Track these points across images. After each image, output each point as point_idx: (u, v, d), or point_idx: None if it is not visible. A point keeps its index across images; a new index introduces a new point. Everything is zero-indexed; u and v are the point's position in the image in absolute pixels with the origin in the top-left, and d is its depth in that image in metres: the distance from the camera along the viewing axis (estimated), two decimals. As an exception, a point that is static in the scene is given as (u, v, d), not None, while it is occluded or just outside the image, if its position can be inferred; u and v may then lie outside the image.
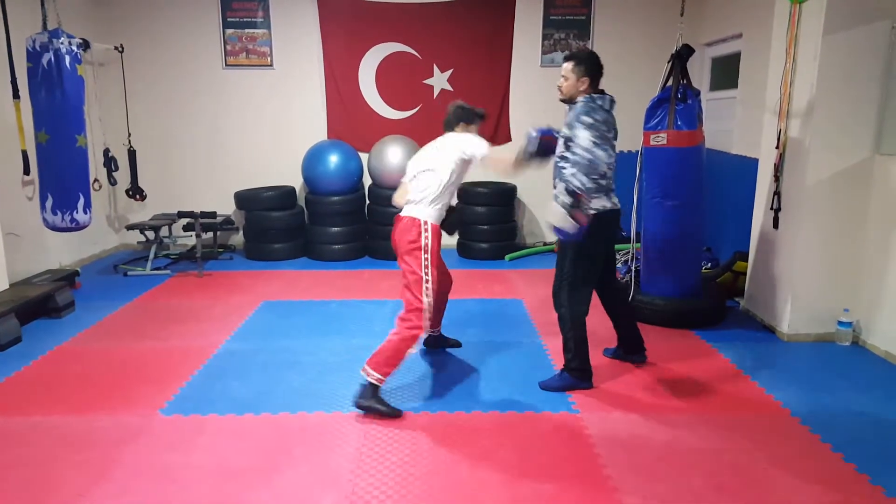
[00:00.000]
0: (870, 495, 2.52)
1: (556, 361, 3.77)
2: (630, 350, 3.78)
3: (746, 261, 4.74)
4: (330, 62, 6.66)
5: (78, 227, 4.74)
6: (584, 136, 3.12)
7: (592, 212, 3.15)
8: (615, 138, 3.28)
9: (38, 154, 4.58)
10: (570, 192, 3.04)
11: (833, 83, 3.86)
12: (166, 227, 6.29)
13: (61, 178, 4.58)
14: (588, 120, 3.15)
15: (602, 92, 3.30)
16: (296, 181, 6.74)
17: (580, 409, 3.21)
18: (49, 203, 4.59)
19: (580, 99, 3.27)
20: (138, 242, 6.43)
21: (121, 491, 2.54)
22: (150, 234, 6.08)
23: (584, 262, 3.34)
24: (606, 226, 3.34)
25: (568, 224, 3.04)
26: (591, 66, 3.28)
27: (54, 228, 4.71)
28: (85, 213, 4.71)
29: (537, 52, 6.68)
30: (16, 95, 4.77)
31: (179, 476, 2.65)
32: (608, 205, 3.30)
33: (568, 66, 3.28)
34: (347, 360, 3.82)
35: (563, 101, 3.36)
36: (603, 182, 3.19)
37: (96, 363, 3.81)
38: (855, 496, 2.52)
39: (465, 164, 3.33)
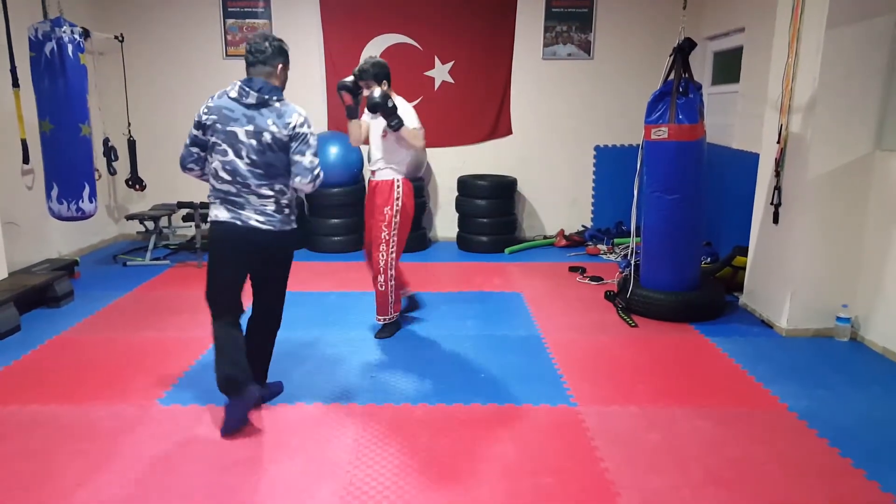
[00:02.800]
0: (866, 490, 2.52)
1: (555, 355, 3.78)
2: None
3: (746, 255, 4.74)
4: (331, 53, 6.64)
5: (84, 216, 4.74)
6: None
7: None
8: (236, 139, 3.04)
9: (43, 143, 4.58)
10: None
11: (835, 78, 3.84)
12: (166, 217, 6.29)
13: (66, 168, 4.58)
14: None
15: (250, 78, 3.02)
16: (296, 172, 6.72)
17: (578, 403, 3.21)
18: (55, 192, 4.59)
19: None
20: (138, 232, 6.43)
21: (119, 481, 2.55)
22: (150, 225, 6.08)
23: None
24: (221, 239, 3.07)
25: None
26: None
27: (60, 218, 4.70)
28: (90, 202, 4.72)
29: (539, 44, 6.65)
30: (15, 84, 4.75)
31: (178, 466, 2.66)
32: (220, 216, 3.00)
33: None
34: (346, 352, 3.84)
35: None
36: (220, 188, 2.97)
37: (95, 353, 3.82)
38: (851, 491, 2.52)
39: None
